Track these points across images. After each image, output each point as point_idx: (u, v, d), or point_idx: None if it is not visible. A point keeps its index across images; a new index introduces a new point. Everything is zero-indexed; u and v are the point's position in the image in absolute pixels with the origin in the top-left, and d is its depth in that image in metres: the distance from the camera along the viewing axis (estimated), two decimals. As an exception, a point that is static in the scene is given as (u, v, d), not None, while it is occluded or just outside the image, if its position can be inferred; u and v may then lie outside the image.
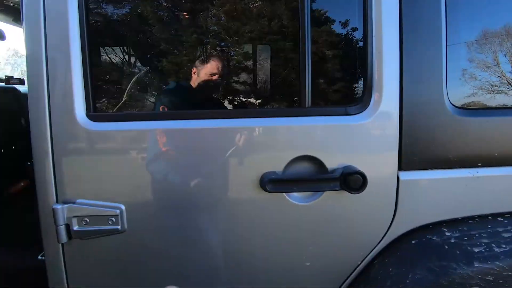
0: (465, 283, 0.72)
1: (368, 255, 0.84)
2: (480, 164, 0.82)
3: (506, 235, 0.79)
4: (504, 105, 0.84)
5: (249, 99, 0.88)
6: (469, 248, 0.76)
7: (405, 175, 0.80)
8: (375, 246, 0.83)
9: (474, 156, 0.81)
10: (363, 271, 0.85)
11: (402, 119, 0.78)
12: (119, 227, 0.75)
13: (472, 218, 0.84)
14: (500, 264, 0.72)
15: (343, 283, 0.85)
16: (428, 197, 0.82)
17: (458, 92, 0.81)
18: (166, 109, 0.86)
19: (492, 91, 0.83)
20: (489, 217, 0.84)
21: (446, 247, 0.77)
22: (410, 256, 0.79)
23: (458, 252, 0.76)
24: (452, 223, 0.84)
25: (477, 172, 0.82)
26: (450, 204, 0.83)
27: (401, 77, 0.78)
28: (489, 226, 0.81)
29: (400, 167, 0.80)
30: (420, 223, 0.83)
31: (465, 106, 0.82)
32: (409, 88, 0.77)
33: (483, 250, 0.75)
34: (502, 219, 0.83)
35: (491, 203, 0.84)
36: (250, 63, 0.85)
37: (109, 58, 0.83)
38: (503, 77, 0.83)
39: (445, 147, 0.80)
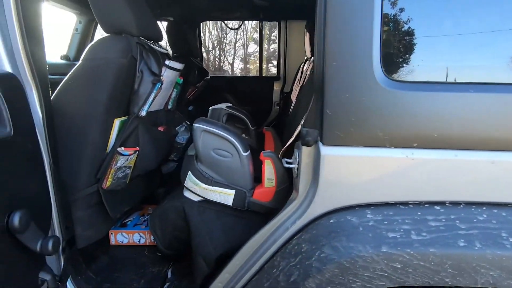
0: (369, 266, 0.67)
1: (286, 231, 0.82)
2: (415, 144, 0.74)
3: (433, 223, 0.71)
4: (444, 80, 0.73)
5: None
6: (383, 232, 0.70)
7: (327, 150, 0.76)
8: (295, 222, 0.81)
9: (408, 135, 0.73)
10: (283, 246, 0.83)
11: (325, 81, 0.73)
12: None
13: (406, 203, 0.77)
14: (412, 252, 0.66)
15: (260, 257, 0.85)
16: (354, 176, 0.76)
17: (389, 64, 0.73)
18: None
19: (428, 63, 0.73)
20: (426, 204, 0.76)
21: (361, 228, 0.72)
22: (323, 235, 0.75)
23: (370, 235, 0.70)
24: (381, 206, 0.77)
25: (412, 154, 0.74)
26: (380, 186, 0.76)
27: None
28: (419, 213, 0.74)
29: (322, 141, 0.76)
30: (345, 203, 0.79)
31: (398, 79, 0.73)
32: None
33: (398, 236, 0.69)
34: (439, 208, 0.75)
35: (429, 189, 0.76)
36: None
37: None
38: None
39: (374, 123, 0.73)
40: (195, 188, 1.05)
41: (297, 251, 0.78)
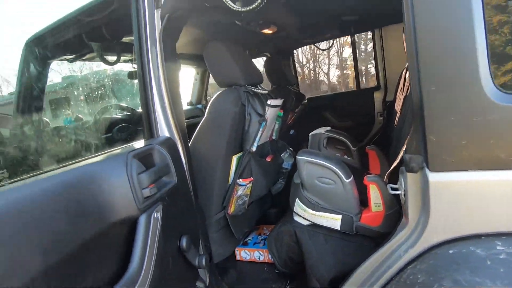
0: (502, 306, 0.60)
1: (399, 259, 0.81)
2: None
3: None
4: None
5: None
6: (520, 267, 0.62)
7: (436, 177, 0.73)
8: (407, 251, 0.80)
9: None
10: (397, 274, 0.82)
11: (423, 106, 0.71)
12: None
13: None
14: None
15: (373, 284, 0.86)
16: (473, 203, 0.71)
17: (501, 74, 0.65)
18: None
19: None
20: None
21: (489, 262, 0.65)
22: (443, 266, 0.71)
23: (502, 270, 0.63)
24: (514, 236, 0.68)
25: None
26: (508, 213, 0.68)
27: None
28: None
29: (428, 167, 0.74)
30: (468, 232, 0.73)
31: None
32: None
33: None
34: None
35: None
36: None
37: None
38: None
39: (493, 143, 0.67)
40: (304, 213, 1.15)
41: (412, 281, 0.76)
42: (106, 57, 1.62)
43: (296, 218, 1.23)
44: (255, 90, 1.39)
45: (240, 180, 1.34)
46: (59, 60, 1.70)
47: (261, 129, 1.35)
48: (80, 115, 2.02)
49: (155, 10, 1.08)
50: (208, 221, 1.34)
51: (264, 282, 1.50)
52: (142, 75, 1.05)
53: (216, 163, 1.30)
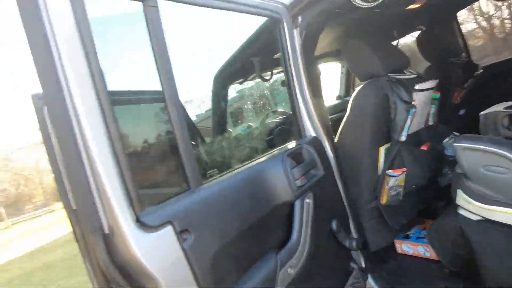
0: None
1: None
2: None
3: None
4: None
5: None
6: None
7: None
8: None
9: None
10: None
11: None
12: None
13: None
14: None
15: None
16: None
17: None
18: None
19: None
20: None
21: None
22: None
23: None
24: None
25: None
26: None
27: None
28: None
29: None
30: None
31: None
32: None
33: None
34: None
35: None
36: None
37: None
38: None
39: None
40: (469, 206, 1.02)
41: None
42: (262, 74, 2.01)
43: (461, 211, 1.10)
44: (398, 76, 1.33)
45: (391, 171, 1.33)
46: (234, 84, 2.27)
47: (409, 116, 1.28)
48: (251, 123, 2.57)
49: (294, 30, 1.29)
50: (360, 209, 1.42)
51: (431, 279, 1.40)
52: (288, 85, 1.28)
53: (362, 156, 1.35)
